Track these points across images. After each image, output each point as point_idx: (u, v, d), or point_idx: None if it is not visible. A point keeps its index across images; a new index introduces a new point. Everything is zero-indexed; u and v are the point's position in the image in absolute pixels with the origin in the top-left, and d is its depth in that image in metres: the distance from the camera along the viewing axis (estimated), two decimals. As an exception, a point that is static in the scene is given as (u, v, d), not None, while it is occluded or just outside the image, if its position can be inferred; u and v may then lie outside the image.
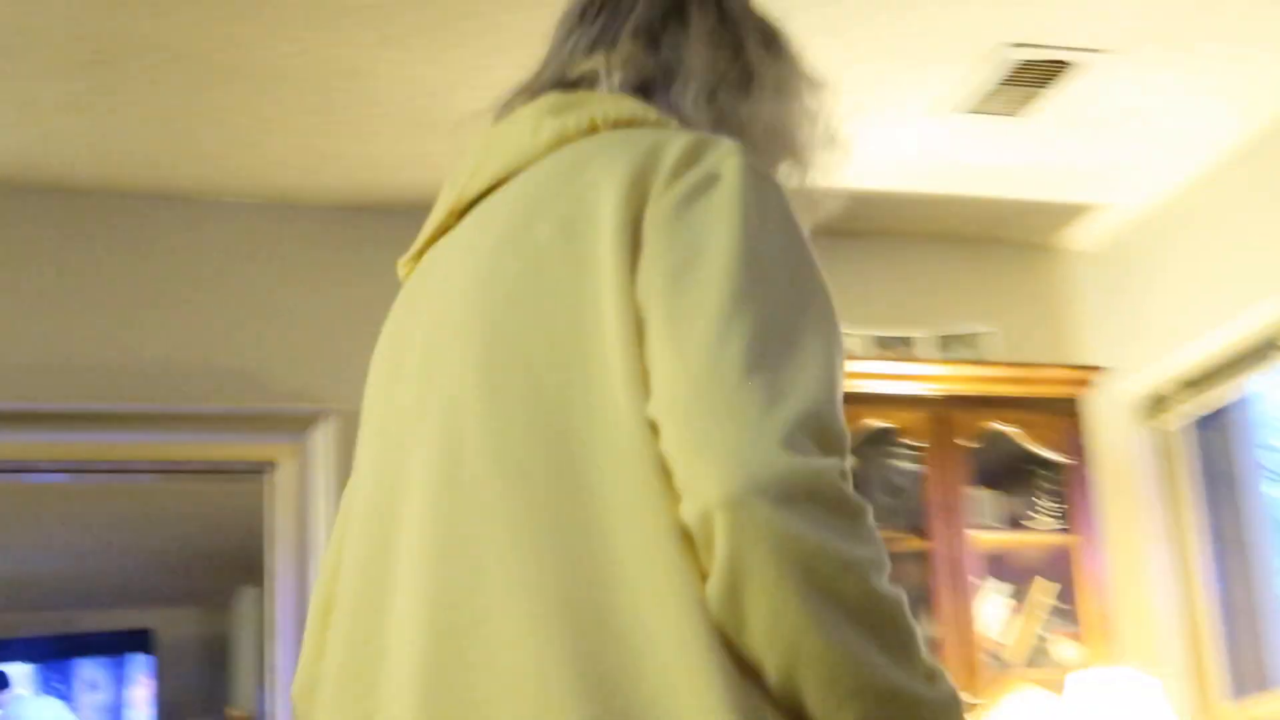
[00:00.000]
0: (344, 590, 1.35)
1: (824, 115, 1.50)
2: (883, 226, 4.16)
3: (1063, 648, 3.91)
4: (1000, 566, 4.00)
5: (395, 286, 3.99)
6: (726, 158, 1.24)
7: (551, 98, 1.39)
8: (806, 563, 1.06)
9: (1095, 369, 4.07)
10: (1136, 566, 4.14)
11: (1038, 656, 3.93)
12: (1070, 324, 4.38)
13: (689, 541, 1.09)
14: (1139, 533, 4.15)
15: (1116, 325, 4.32)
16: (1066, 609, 3.96)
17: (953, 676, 3.06)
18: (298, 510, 3.57)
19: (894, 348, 4.00)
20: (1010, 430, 3.92)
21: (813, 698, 1.07)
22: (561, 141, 1.34)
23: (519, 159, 1.36)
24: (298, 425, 3.60)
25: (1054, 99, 3.50)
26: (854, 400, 3.64)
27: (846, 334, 3.72)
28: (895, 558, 3.06)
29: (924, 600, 3.80)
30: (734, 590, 1.06)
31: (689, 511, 1.08)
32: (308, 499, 3.58)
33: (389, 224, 3.81)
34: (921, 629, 1.18)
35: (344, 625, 1.32)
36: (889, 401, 3.84)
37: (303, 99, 3.31)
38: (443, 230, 1.43)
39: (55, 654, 3.36)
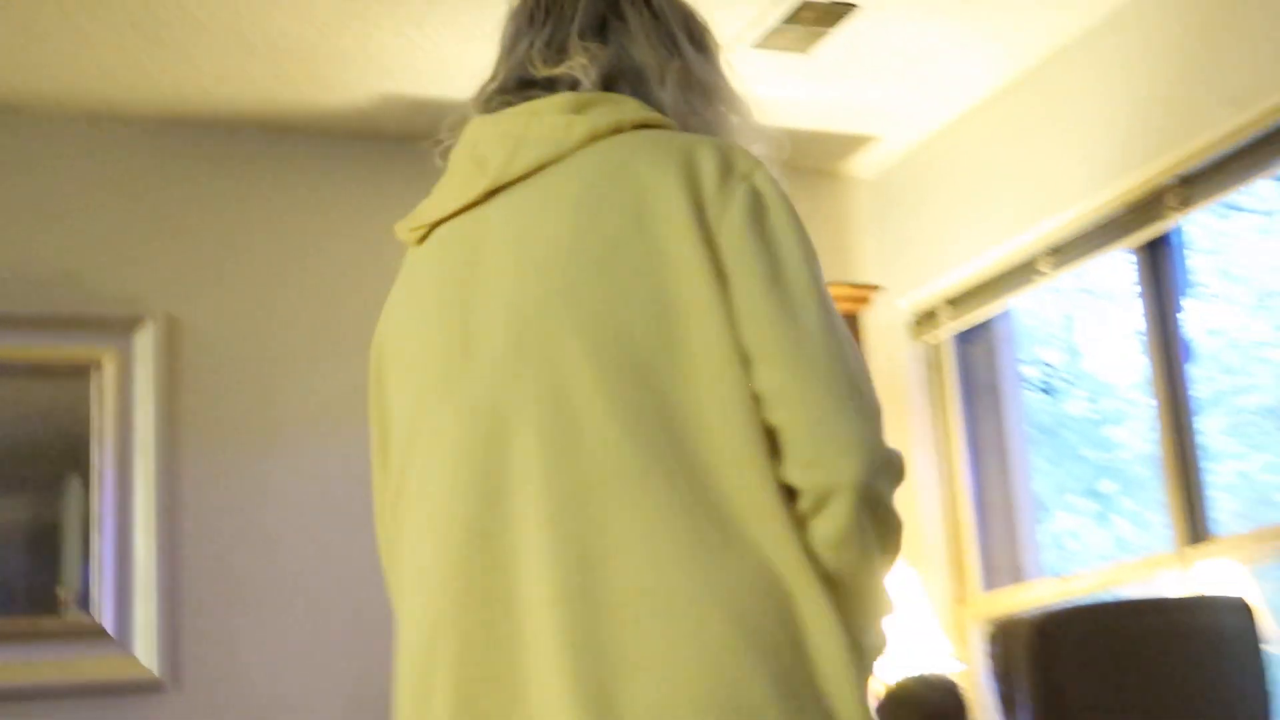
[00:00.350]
0: (442, 520, 1.48)
1: (746, 103, 1.70)
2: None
3: None
4: None
5: (214, 198, 4.08)
6: (755, 169, 1.49)
7: (568, 97, 1.55)
8: (892, 524, 1.42)
9: (872, 287, 4.25)
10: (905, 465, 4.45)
11: None
12: (850, 246, 4.51)
13: (785, 493, 1.37)
14: (907, 436, 4.31)
15: (891, 248, 4.47)
16: None
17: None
18: (120, 409, 3.62)
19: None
20: None
21: (853, 600, 1.40)
22: (593, 138, 1.52)
23: (555, 151, 1.52)
24: (120, 328, 3.64)
25: (838, 39, 3.62)
26: None
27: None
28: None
29: None
30: (845, 540, 1.37)
31: (817, 480, 1.37)
32: (130, 399, 3.64)
33: (209, 138, 3.89)
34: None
35: (453, 555, 1.45)
36: None
37: (126, 14, 3.34)
38: (468, 206, 1.56)
39: None
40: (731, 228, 1.44)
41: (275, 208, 3.97)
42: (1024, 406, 4.31)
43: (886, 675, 3.64)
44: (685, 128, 1.59)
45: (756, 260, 1.43)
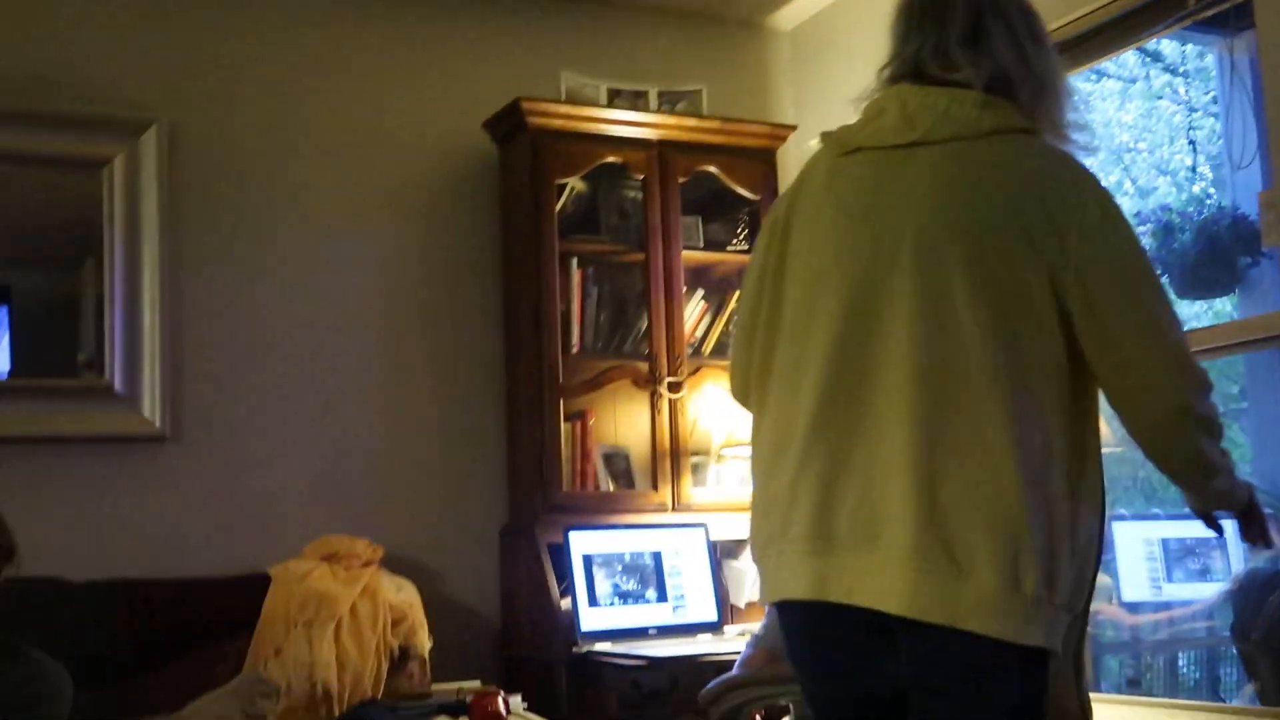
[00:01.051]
0: (814, 360, 2.00)
1: (1072, 90, 2.14)
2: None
3: None
4: (702, 278, 4.37)
5: (235, 21, 4.48)
6: (1096, 185, 2.01)
7: (978, 95, 2.01)
8: (1206, 427, 1.99)
9: (789, 127, 4.42)
10: None
11: (728, 351, 4.52)
12: (769, 90, 4.70)
13: (1074, 398, 1.94)
14: None
15: (807, 93, 4.64)
16: None
17: (662, 364, 3.76)
18: (129, 201, 3.79)
19: (627, 98, 4.27)
20: (716, 171, 4.27)
21: (1186, 475, 2.05)
22: (995, 132, 1.99)
23: (968, 131, 2.00)
24: (130, 130, 3.80)
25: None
26: (593, 140, 4.19)
27: (591, 84, 4.23)
28: (622, 268, 3.77)
29: (642, 301, 4.17)
30: (1177, 441, 1.99)
31: (1161, 402, 1.96)
32: (138, 192, 3.80)
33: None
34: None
35: (823, 385, 1.99)
36: (621, 142, 4.13)
37: None
38: (895, 146, 2.03)
39: None
40: (1082, 233, 1.93)
41: (278, 29, 4.08)
42: None
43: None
44: (1034, 122, 2.04)
45: (1109, 261, 1.94)
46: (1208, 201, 4.33)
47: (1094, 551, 2.01)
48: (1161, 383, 1.96)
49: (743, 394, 2.24)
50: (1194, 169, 4.55)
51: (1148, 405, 1.98)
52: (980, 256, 1.93)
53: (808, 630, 2.06)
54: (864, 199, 2.03)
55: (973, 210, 1.95)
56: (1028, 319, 1.92)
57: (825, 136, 2.14)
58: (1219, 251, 4.12)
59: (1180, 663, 4.03)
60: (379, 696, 3.49)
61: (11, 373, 3.71)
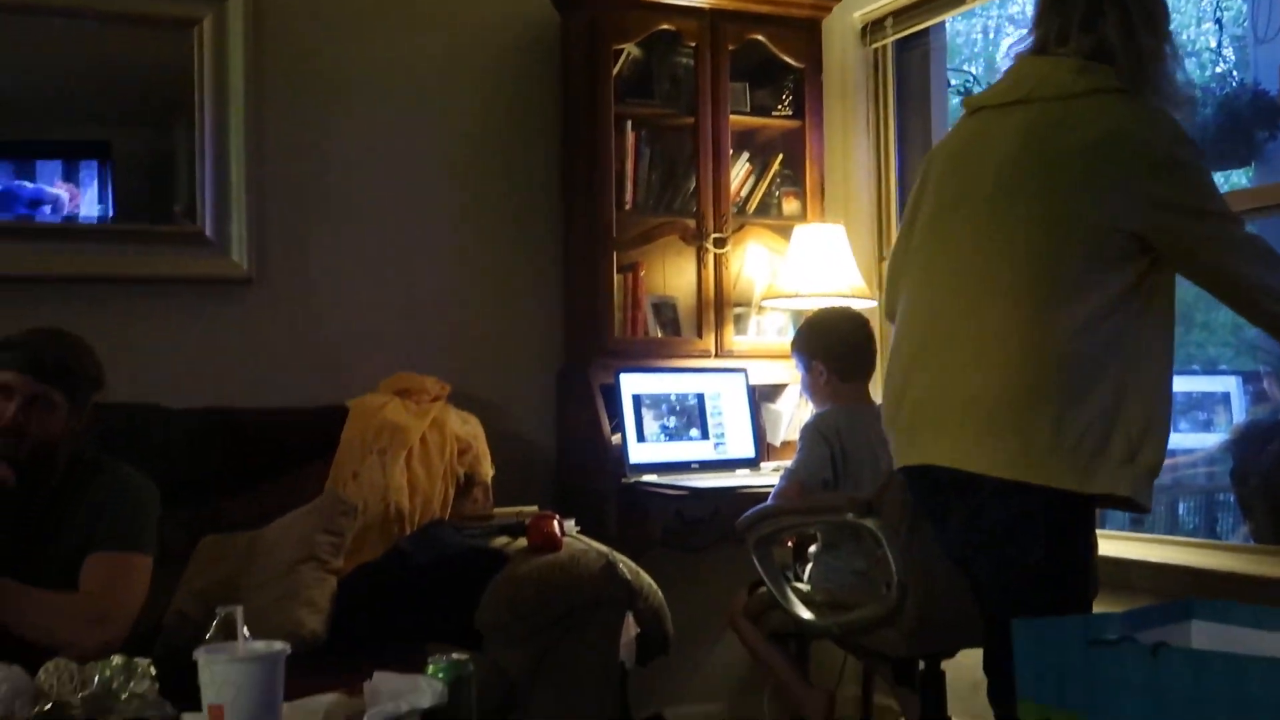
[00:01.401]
0: (916, 286, 2.38)
1: (1175, 58, 2.31)
2: None
3: (789, 205, 4.34)
4: (747, 142, 4.36)
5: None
6: (1175, 130, 2.20)
7: (1075, 62, 2.28)
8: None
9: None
10: (846, 149, 4.53)
11: (771, 210, 4.35)
12: None
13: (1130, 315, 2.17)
14: (851, 125, 4.53)
15: None
16: (793, 175, 4.36)
17: (709, 221, 3.83)
18: (217, 62, 3.82)
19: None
20: (764, 40, 4.23)
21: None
22: (1088, 92, 2.25)
23: (1060, 91, 2.27)
24: None
25: None
26: (649, 8, 4.17)
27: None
28: (673, 131, 3.78)
29: (691, 163, 4.17)
30: (1266, 311, 2.20)
31: (1243, 293, 2.19)
32: (225, 55, 3.83)
33: None
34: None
35: (923, 304, 2.36)
36: (676, 11, 4.09)
37: None
38: (1004, 104, 2.33)
39: (28, 154, 3.66)
40: (1155, 174, 2.16)
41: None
42: (946, 107, 4.45)
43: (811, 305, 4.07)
44: (1137, 89, 2.25)
45: (1184, 199, 2.17)
46: (1229, 79, 4.26)
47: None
48: (1240, 277, 2.20)
49: (890, 312, 2.55)
50: (1219, 49, 4.45)
51: (1232, 297, 2.25)
52: (1049, 190, 2.20)
53: None
54: (970, 146, 2.35)
55: (1050, 151, 2.22)
56: (1083, 242, 2.18)
57: (964, 101, 2.46)
58: (1238, 126, 4.06)
59: (1180, 509, 4.08)
60: (446, 518, 3.59)
61: (114, 219, 3.76)
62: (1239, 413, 3.91)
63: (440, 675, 1.85)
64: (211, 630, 1.79)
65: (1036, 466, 2.13)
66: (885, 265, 2.63)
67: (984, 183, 2.28)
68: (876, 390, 3.98)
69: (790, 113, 4.37)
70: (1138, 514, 2.31)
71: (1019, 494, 2.14)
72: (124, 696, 1.71)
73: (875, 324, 3.85)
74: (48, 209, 3.70)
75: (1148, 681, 1.35)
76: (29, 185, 3.68)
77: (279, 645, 1.72)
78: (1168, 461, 2.27)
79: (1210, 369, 4.07)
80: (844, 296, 4.06)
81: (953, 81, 4.61)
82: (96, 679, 1.75)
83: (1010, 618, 1.83)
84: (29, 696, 1.69)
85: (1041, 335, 2.16)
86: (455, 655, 1.90)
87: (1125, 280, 2.18)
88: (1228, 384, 4.00)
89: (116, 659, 1.80)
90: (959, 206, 2.32)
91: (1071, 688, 1.45)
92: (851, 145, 4.57)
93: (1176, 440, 3.97)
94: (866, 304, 4.10)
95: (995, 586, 2.23)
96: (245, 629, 1.81)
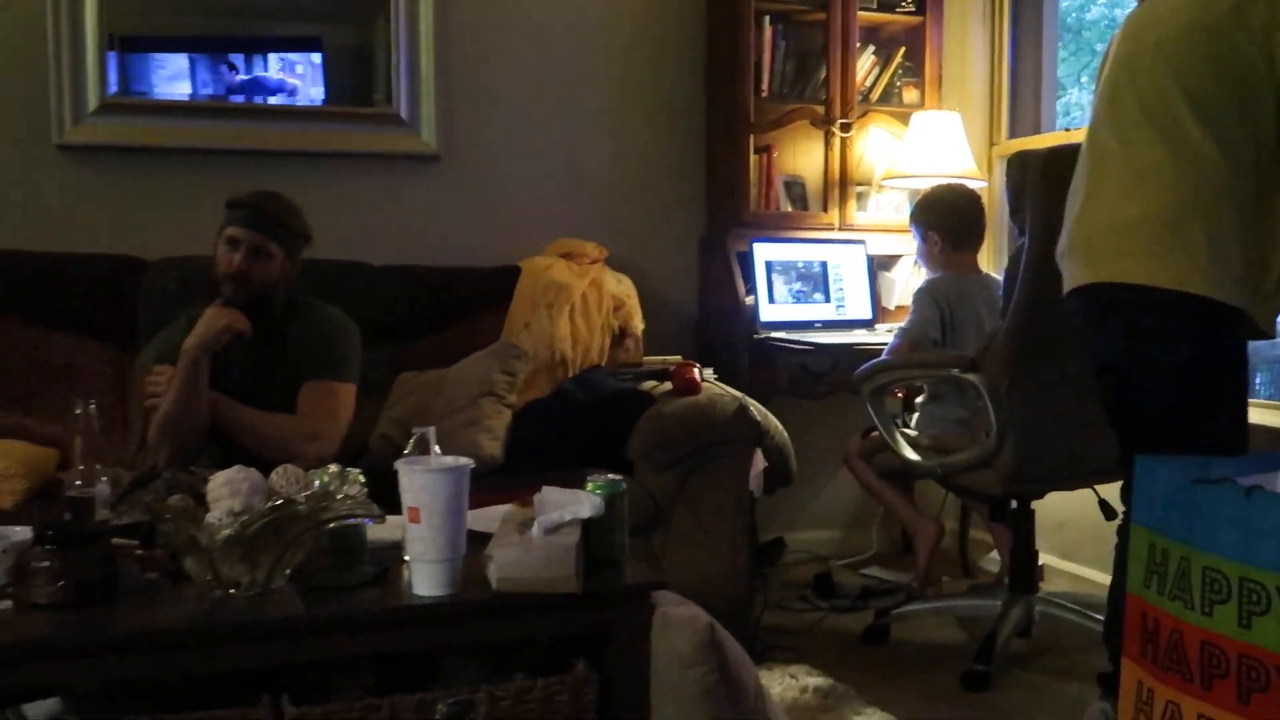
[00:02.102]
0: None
1: None
2: None
3: (909, 94, 4.24)
4: (873, 36, 4.25)
5: None
6: None
7: None
8: None
9: None
10: (964, 42, 4.36)
11: (893, 99, 4.25)
12: None
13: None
14: (969, 20, 4.35)
15: None
16: (913, 67, 4.25)
17: (836, 108, 3.74)
18: None
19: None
20: None
21: None
22: None
23: None
24: None
25: None
26: None
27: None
28: (806, 25, 3.69)
29: (822, 54, 4.08)
30: None
31: None
32: None
33: None
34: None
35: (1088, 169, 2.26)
36: None
37: None
38: None
39: (260, 49, 3.73)
40: None
41: None
42: (1057, 6, 4.29)
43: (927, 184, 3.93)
44: None
45: None
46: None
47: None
48: None
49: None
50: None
51: None
52: (1204, 53, 2.11)
53: None
54: (1135, 25, 2.25)
55: (1207, 18, 2.11)
56: (1241, 96, 2.10)
57: None
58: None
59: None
60: (603, 364, 3.64)
61: (325, 101, 3.81)
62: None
63: (598, 491, 1.90)
64: (409, 446, 1.85)
65: (1189, 280, 2.09)
66: (994, 150, 2.48)
67: (1142, 54, 2.21)
68: (985, 261, 3.94)
69: (913, 9, 4.24)
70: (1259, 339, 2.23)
71: (1175, 302, 2.09)
72: (339, 497, 1.80)
73: (985, 201, 3.73)
74: (283, 95, 3.76)
75: (1239, 517, 1.35)
76: (273, 78, 3.76)
77: (465, 460, 1.78)
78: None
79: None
80: (958, 178, 3.94)
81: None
82: (317, 483, 1.84)
83: (1161, 417, 1.90)
84: (265, 494, 1.78)
85: (1196, 171, 2.12)
86: (610, 476, 1.95)
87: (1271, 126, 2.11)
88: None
89: (333, 467, 1.89)
90: (1129, 79, 2.24)
91: (1177, 519, 1.44)
92: (968, 39, 4.40)
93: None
94: (978, 183, 3.98)
95: (1149, 384, 2.15)
96: (437, 446, 1.87)
